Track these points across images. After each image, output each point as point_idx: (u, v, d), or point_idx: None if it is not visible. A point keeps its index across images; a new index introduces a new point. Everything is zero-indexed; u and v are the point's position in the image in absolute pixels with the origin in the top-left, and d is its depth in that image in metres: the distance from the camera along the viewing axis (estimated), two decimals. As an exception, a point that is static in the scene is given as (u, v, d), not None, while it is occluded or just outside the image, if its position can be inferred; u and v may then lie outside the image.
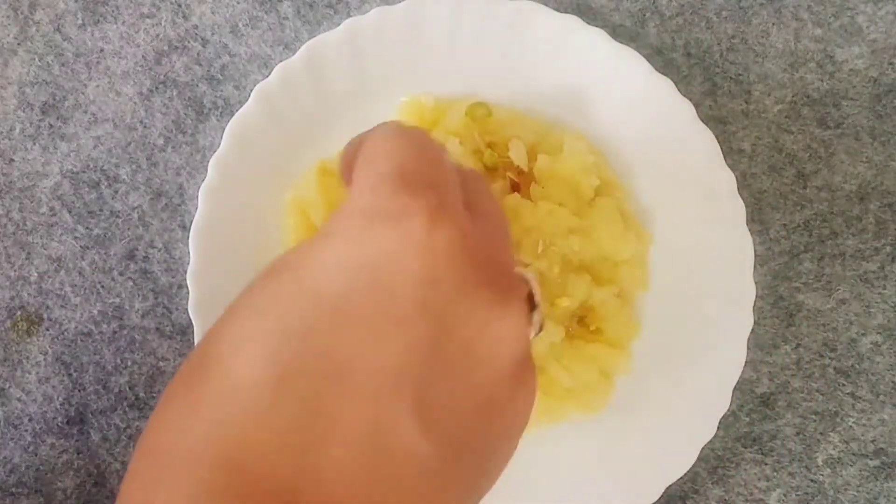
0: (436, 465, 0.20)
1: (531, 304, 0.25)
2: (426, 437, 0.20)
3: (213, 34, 0.46)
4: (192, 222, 0.41)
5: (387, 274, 0.21)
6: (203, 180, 0.41)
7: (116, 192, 0.45)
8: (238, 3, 0.46)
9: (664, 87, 0.42)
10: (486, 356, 0.21)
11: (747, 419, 0.45)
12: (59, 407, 0.44)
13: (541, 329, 0.25)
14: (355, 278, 0.21)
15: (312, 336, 0.20)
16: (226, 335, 0.21)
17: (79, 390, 0.44)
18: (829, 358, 0.45)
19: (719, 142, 0.42)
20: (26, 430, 0.44)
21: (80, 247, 0.45)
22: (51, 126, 0.46)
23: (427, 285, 0.21)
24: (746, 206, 0.42)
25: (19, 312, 0.45)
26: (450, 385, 0.20)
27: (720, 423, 0.41)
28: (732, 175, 0.42)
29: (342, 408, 0.19)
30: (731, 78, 0.46)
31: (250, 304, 0.21)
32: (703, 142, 0.42)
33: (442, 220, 0.21)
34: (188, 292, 0.40)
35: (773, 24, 0.46)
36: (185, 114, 0.46)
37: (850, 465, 0.44)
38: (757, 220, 0.45)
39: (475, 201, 0.24)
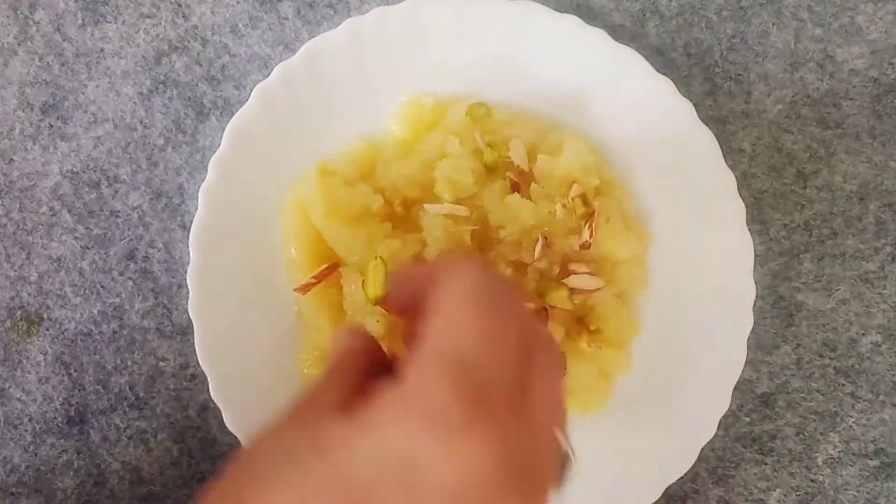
0: None
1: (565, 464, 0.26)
2: None
3: (213, 34, 0.46)
4: (192, 222, 0.41)
5: (416, 478, 0.21)
6: (203, 180, 0.41)
7: (116, 192, 0.45)
8: (238, 3, 0.46)
9: (664, 87, 0.42)
10: None
11: (747, 419, 0.45)
12: (59, 407, 0.44)
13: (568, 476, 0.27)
14: (384, 473, 0.22)
15: None
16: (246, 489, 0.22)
17: (79, 390, 0.44)
18: (829, 358, 0.45)
19: (719, 142, 0.42)
20: (26, 430, 0.44)
21: (80, 247, 0.45)
22: (51, 126, 0.46)
23: (454, 497, 0.22)
24: (746, 206, 0.42)
25: (19, 312, 0.45)
26: None
27: (720, 423, 0.41)
28: (732, 175, 0.42)
29: None
30: (731, 78, 0.46)
31: (279, 480, 0.22)
32: (703, 142, 0.42)
33: (483, 437, 0.22)
34: (188, 292, 0.40)
35: (773, 24, 0.46)
36: (185, 114, 0.46)
37: (850, 465, 0.44)
38: (757, 220, 0.45)
39: (533, 382, 0.24)
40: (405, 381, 0.23)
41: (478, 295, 0.24)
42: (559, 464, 0.26)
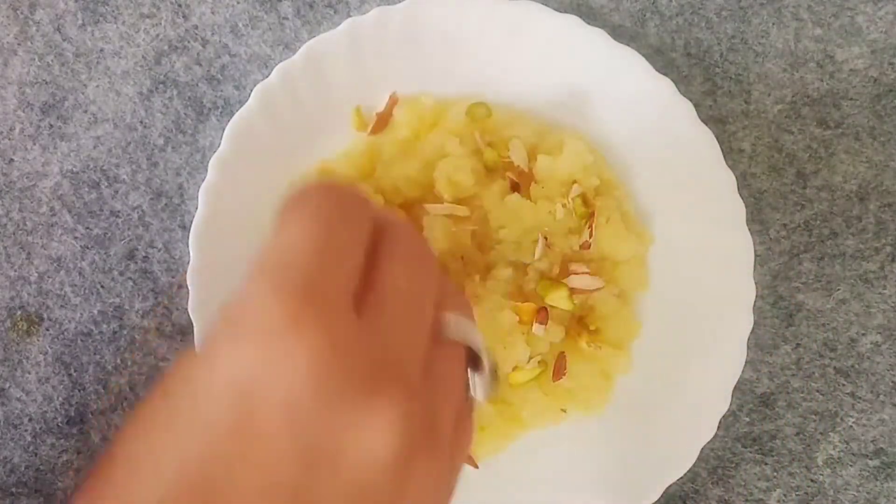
0: None
1: (475, 362, 0.25)
2: None
3: (213, 34, 0.46)
4: (192, 222, 0.41)
5: (251, 401, 0.21)
6: (203, 180, 0.41)
7: (116, 192, 0.45)
8: (238, 3, 0.46)
9: (664, 87, 0.42)
10: (357, 461, 0.21)
11: (747, 419, 0.45)
12: (59, 407, 0.44)
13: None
14: (226, 403, 0.21)
15: (189, 462, 0.21)
16: (124, 453, 0.22)
17: (79, 390, 0.44)
18: (829, 358, 0.45)
19: (719, 142, 0.42)
20: (26, 430, 0.44)
21: (80, 247, 0.45)
22: (51, 126, 0.46)
23: (290, 405, 0.21)
24: (746, 206, 0.42)
25: (19, 312, 0.45)
26: (326, 493, 0.21)
27: (720, 423, 0.41)
28: (732, 175, 0.42)
29: None
30: (731, 78, 0.46)
31: (145, 429, 0.22)
32: (703, 142, 0.42)
33: (309, 335, 0.21)
34: (188, 292, 0.40)
35: (773, 24, 0.46)
36: (185, 114, 0.46)
37: (850, 465, 0.44)
38: (757, 220, 0.45)
39: (379, 279, 0.23)
40: (232, 300, 0.22)
41: (301, 206, 0.23)
42: (472, 363, 0.24)
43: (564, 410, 0.42)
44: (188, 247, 0.41)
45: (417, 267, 0.24)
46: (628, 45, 0.42)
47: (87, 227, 0.45)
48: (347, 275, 0.23)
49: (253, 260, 0.22)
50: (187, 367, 0.22)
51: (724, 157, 0.42)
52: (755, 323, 0.41)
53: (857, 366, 0.45)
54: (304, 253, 0.22)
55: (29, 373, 0.45)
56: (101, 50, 0.46)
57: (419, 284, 0.24)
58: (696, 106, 0.42)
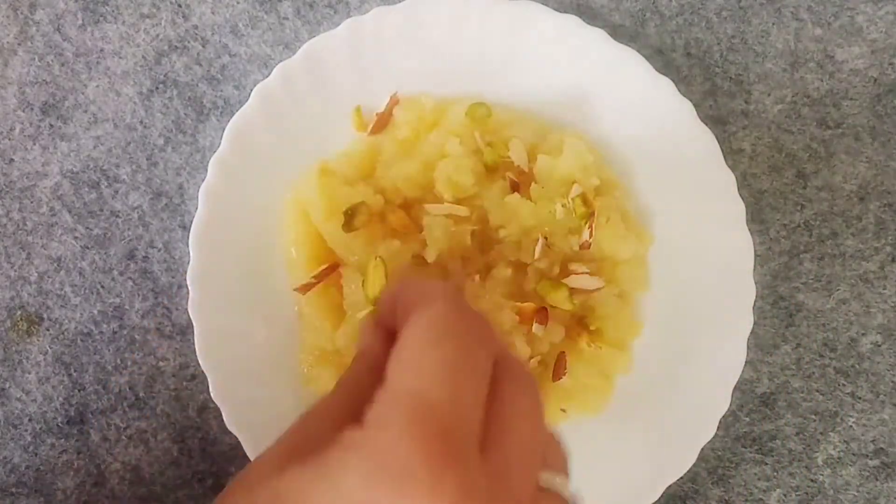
0: None
1: None
2: None
3: (213, 34, 0.46)
4: (192, 222, 0.41)
5: None
6: (203, 180, 0.41)
7: (116, 192, 0.45)
8: (238, 3, 0.46)
9: (664, 87, 0.42)
10: None
11: (747, 419, 0.45)
12: (59, 407, 0.44)
13: None
14: None
15: None
16: None
17: (79, 390, 0.44)
18: (829, 358, 0.45)
19: (719, 142, 0.42)
20: (26, 430, 0.44)
21: (80, 247, 0.45)
22: (51, 126, 0.46)
23: None
24: (746, 206, 0.42)
25: (19, 312, 0.45)
26: None
27: (720, 423, 0.41)
28: (732, 175, 0.42)
29: None
30: (731, 78, 0.46)
31: None
32: (703, 142, 0.42)
33: (444, 478, 0.21)
34: (188, 292, 0.40)
35: (773, 24, 0.46)
36: (185, 114, 0.46)
37: (850, 465, 0.44)
38: (757, 220, 0.45)
39: (502, 419, 0.23)
40: (365, 424, 0.22)
41: (444, 330, 0.23)
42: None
43: (564, 410, 0.42)
44: (188, 247, 0.41)
45: (537, 416, 0.25)
46: (628, 45, 0.42)
47: (87, 227, 0.45)
48: (477, 413, 0.23)
49: (387, 380, 0.22)
50: (299, 477, 0.22)
51: (724, 157, 0.42)
52: (755, 323, 0.41)
53: (857, 366, 0.45)
54: (442, 394, 0.22)
55: (29, 373, 0.45)
56: (101, 50, 0.46)
57: (538, 433, 0.25)
58: (696, 106, 0.42)
